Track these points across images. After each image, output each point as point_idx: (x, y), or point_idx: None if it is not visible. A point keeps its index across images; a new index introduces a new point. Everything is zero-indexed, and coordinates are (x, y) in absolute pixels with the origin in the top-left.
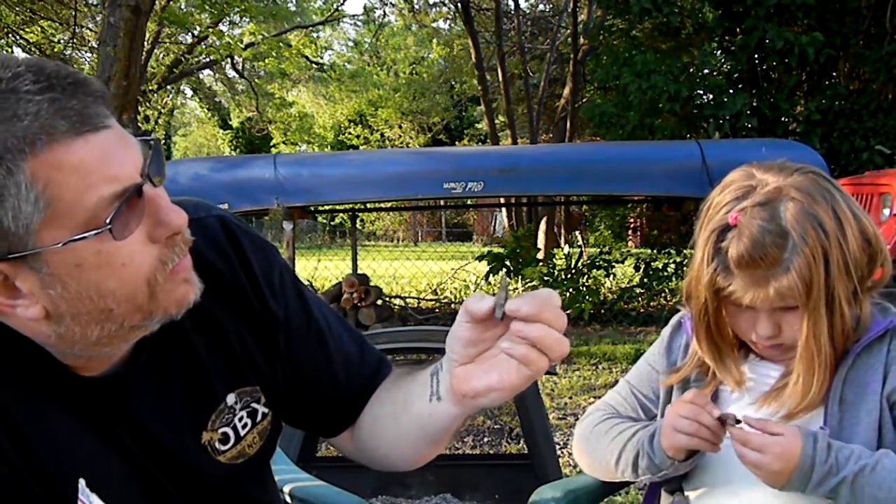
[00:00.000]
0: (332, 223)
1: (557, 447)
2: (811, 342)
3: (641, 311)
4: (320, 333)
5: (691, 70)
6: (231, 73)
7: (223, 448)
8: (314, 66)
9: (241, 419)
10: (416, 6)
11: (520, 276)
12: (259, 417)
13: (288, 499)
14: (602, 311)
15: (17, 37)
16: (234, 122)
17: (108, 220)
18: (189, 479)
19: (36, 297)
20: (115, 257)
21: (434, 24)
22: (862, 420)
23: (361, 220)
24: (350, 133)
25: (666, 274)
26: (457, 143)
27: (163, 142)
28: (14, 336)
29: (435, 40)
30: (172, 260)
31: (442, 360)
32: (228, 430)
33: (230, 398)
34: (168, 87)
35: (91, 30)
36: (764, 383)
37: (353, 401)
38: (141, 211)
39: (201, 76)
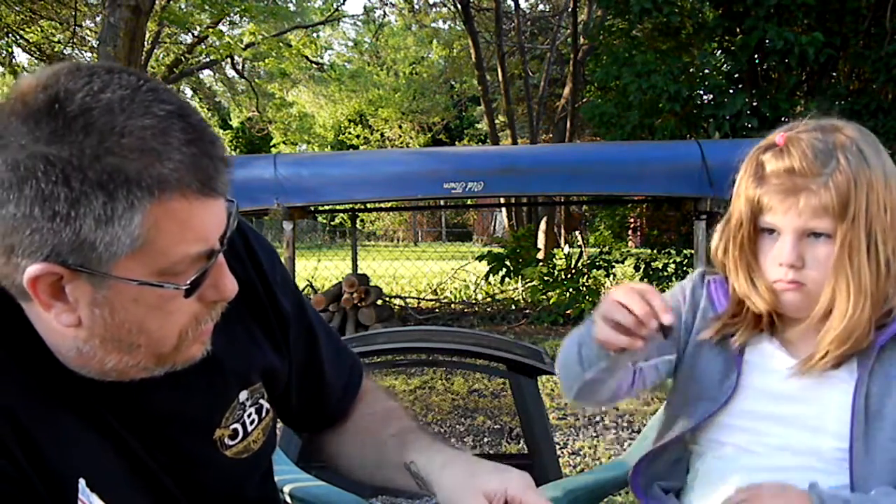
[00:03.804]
0: (332, 223)
1: (557, 447)
2: (844, 261)
3: None
4: (312, 334)
5: (691, 70)
6: (231, 73)
7: (231, 443)
8: (314, 66)
9: (249, 415)
10: (416, 6)
11: (520, 277)
12: (264, 413)
13: (288, 499)
14: None
15: (17, 36)
16: (234, 122)
17: (189, 282)
18: (195, 474)
19: (78, 307)
20: (168, 305)
21: (434, 25)
22: (888, 416)
23: (361, 220)
24: (350, 133)
25: (666, 274)
26: (457, 143)
27: None
28: (22, 336)
29: (435, 40)
30: (206, 321)
31: (420, 461)
32: (238, 426)
33: (243, 395)
34: (168, 87)
35: (91, 30)
36: (789, 359)
37: (330, 404)
38: (208, 273)
39: (201, 76)
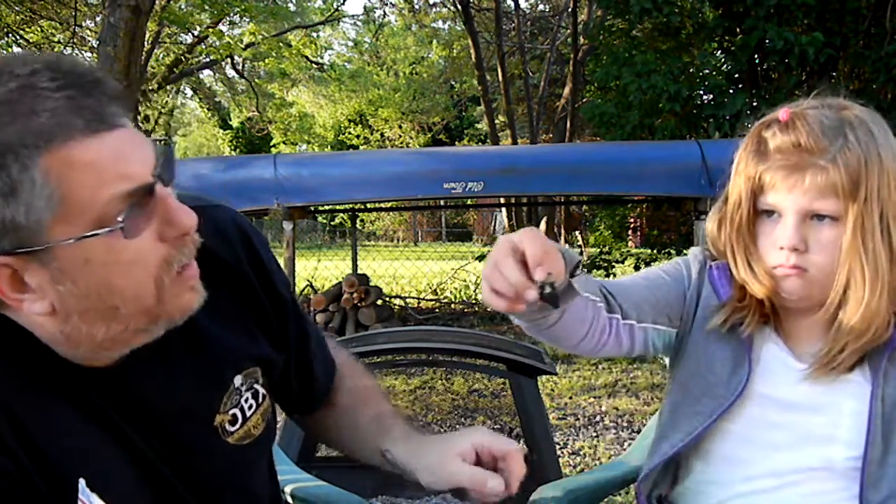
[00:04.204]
0: (332, 223)
1: (557, 447)
2: (858, 244)
3: None
4: (304, 328)
5: (691, 70)
6: (231, 73)
7: (231, 429)
8: (314, 66)
9: (246, 400)
10: (416, 6)
11: None
12: (261, 398)
13: (289, 499)
14: None
15: (17, 36)
16: (234, 122)
17: (120, 219)
18: (198, 463)
19: (44, 292)
20: (125, 255)
21: (434, 25)
22: None
23: (361, 220)
24: (350, 133)
25: None
26: (457, 143)
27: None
28: (16, 330)
29: (435, 41)
30: (179, 261)
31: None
32: (236, 411)
33: (237, 380)
34: (168, 87)
35: (91, 30)
36: (799, 363)
37: (317, 393)
38: (152, 210)
39: (201, 76)
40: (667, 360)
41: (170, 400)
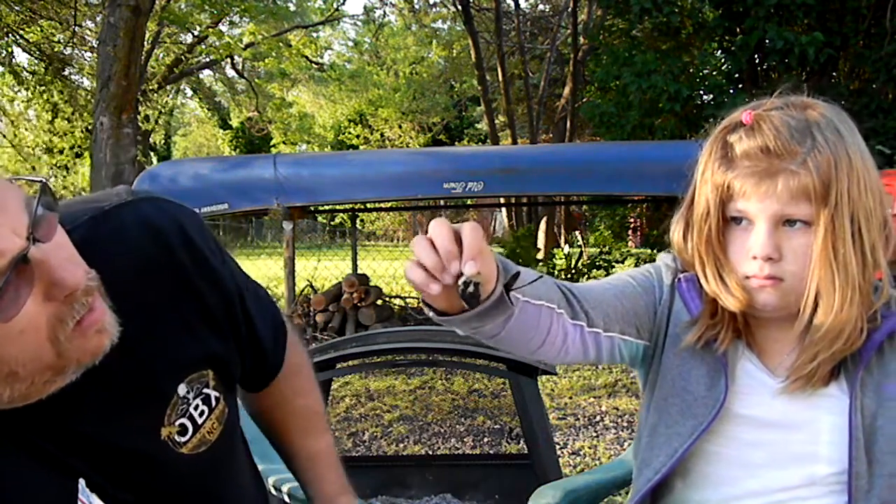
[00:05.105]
0: (332, 223)
1: (557, 447)
2: (829, 251)
3: None
4: (247, 311)
5: (691, 70)
6: (231, 73)
7: (183, 439)
8: (314, 66)
9: (196, 407)
10: (416, 6)
11: None
12: (214, 402)
13: (287, 498)
14: None
15: (18, 36)
16: (234, 122)
17: None
18: (154, 480)
19: None
20: (12, 328)
21: (434, 25)
22: (881, 427)
23: (361, 220)
24: (350, 133)
25: None
26: (457, 143)
27: (163, 141)
28: None
29: (435, 41)
30: (73, 317)
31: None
32: (185, 420)
33: (181, 389)
34: (168, 86)
35: (91, 30)
36: (772, 381)
37: (266, 368)
38: (31, 276)
39: (201, 76)
40: (639, 378)
41: (108, 423)
